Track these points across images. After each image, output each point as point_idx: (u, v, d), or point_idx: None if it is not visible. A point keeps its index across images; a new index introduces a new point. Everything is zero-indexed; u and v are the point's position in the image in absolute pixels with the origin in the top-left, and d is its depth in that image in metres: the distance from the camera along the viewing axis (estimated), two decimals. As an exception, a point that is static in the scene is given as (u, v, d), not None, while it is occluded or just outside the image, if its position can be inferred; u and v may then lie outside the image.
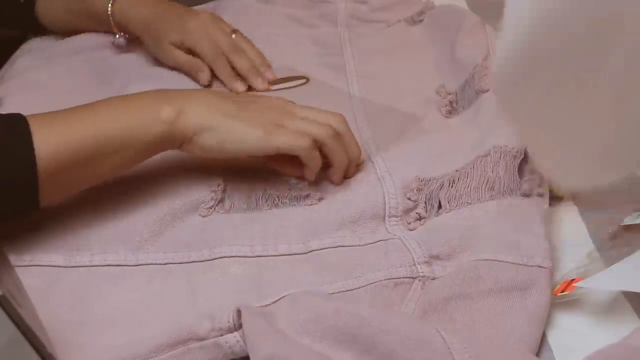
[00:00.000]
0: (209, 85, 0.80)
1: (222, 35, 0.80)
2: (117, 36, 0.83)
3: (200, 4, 0.95)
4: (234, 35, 0.82)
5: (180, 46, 0.80)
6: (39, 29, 0.88)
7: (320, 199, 0.65)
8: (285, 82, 0.71)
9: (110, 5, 0.80)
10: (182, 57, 0.80)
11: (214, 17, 0.82)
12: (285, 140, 0.61)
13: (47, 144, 0.56)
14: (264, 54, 0.83)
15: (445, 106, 0.74)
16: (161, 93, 0.63)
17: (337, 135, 0.64)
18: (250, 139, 0.61)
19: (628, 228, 0.59)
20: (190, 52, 0.80)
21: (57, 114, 0.59)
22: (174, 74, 0.81)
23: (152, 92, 0.63)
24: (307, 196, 0.64)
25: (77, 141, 0.57)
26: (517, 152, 0.63)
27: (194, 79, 0.81)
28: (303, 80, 0.68)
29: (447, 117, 0.73)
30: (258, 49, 0.82)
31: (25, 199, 0.56)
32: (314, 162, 0.63)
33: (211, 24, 0.80)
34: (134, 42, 0.85)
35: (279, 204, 0.64)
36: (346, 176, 0.66)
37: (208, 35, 0.79)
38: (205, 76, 0.80)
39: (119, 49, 0.85)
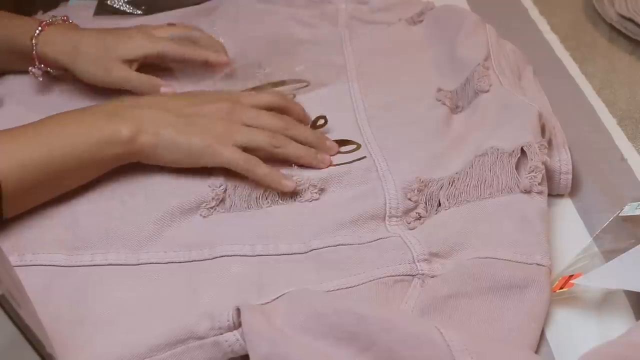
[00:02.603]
0: None
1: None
2: (34, 68, 0.76)
3: (200, 4, 0.95)
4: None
5: (136, 60, 0.76)
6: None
7: (320, 192, 0.65)
8: (286, 85, 0.71)
9: (36, 34, 0.74)
10: (133, 76, 0.75)
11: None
12: (233, 157, 0.64)
13: (8, 162, 0.58)
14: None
15: (446, 106, 0.74)
16: (114, 109, 0.64)
17: (279, 133, 0.67)
18: (204, 156, 0.64)
19: (627, 219, 0.59)
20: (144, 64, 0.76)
21: (19, 130, 0.61)
22: (172, 75, 0.81)
23: (105, 108, 0.64)
24: (307, 191, 0.65)
25: (38, 161, 0.59)
26: (513, 150, 0.63)
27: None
28: (304, 84, 0.68)
29: (447, 116, 0.73)
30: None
31: None
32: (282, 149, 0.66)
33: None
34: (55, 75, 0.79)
35: (279, 201, 0.64)
36: (319, 147, 0.68)
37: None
38: (167, 91, 0.76)
39: (37, 79, 0.78)
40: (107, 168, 0.64)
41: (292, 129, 0.68)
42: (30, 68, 0.76)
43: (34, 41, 0.74)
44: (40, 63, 0.76)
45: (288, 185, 0.64)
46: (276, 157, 0.66)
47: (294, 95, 0.77)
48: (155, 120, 0.63)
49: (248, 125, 0.66)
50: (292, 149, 0.67)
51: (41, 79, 0.77)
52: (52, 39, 0.74)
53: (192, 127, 0.64)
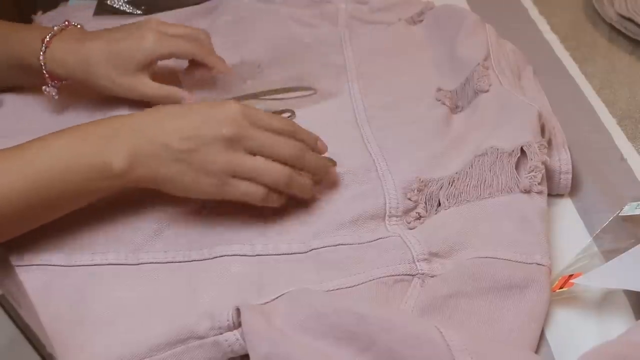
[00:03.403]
0: None
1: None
2: (48, 87, 0.74)
3: (200, 3, 0.95)
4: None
5: (151, 64, 0.73)
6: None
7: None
8: (291, 91, 0.69)
9: (41, 54, 0.70)
10: (154, 90, 0.73)
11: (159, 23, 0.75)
12: (239, 194, 0.60)
13: None
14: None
15: (445, 105, 0.74)
16: (107, 134, 0.58)
17: (293, 173, 0.61)
18: (207, 191, 0.59)
19: (627, 219, 0.59)
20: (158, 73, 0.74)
21: (1, 157, 0.56)
22: (172, 75, 0.80)
23: (97, 131, 0.59)
24: None
25: (22, 191, 0.55)
26: (513, 150, 0.63)
27: None
28: (311, 92, 0.66)
29: (447, 116, 0.73)
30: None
31: None
32: (277, 201, 0.62)
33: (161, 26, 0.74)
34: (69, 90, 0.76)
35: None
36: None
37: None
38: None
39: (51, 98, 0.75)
40: (98, 198, 0.60)
41: (302, 157, 0.61)
42: (44, 88, 0.74)
43: (41, 59, 0.70)
44: (52, 80, 0.73)
45: (326, 173, 0.64)
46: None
47: (292, 115, 0.75)
48: (151, 156, 0.58)
49: (255, 154, 0.60)
50: (297, 189, 0.62)
51: (57, 97, 0.75)
52: (60, 55, 0.71)
53: (190, 165, 0.58)
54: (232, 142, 0.58)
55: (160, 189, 0.60)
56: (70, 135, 0.59)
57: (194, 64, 0.77)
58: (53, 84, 0.73)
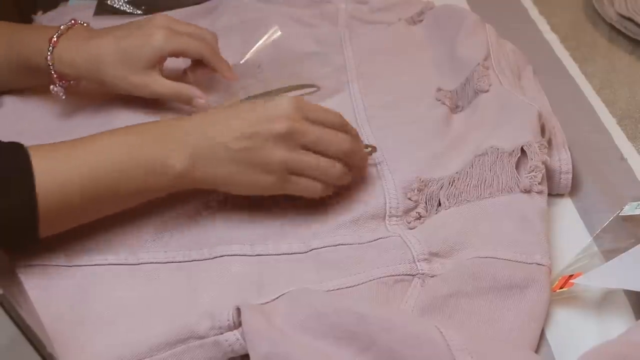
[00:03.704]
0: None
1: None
2: (55, 87, 0.72)
3: (200, 3, 0.95)
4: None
5: (161, 61, 0.72)
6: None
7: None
8: (295, 90, 0.68)
9: (49, 54, 0.69)
10: (164, 85, 0.72)
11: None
12: (300, 190, 0.61)
13: (47, 183, 0.54)
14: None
15: (446, 105, 0.75)
16: (163, 134, 0.59)
17: (345, 169, 0.62)
18: (266, 187, 0.60)
19: (627, 219, 0.59)
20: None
21: (59, 149, 0.57)
22: (173, 74, 0.80)
23: (152, 132, 0.59)
24: None
25: (79, 185, 0.56)
26: (513, 150, 0.63)
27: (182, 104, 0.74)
28: (313, 89, 0.65)
29: (447, 116, 0.73)
30: None
31: (24, 235, 0.55)
32: (331, 191, 0.63)
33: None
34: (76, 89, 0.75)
35: (279, 200, 0.64)
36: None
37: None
38: (202, 103, 0.73)
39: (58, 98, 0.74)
40: (153, 197, 0.61)
41: (353, 152, 0.62)
42: (52, 88, 0.72)
43: (49, 59, 0.69)
44: (60, 80, 0.72)
45: (365, 167, 0.65)
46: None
47: (317, 89, 0.75)
48: (210, 156, 0.58)
49: (309, 149, 0.60)
50: (346, 182, 0.63)
51: (64, 97, 0.74)
52: (68, 55, 0.70)
53: (249, 164, 0.58)
54: (287, 138, 0.59)
55: (218, 189, 0.61)
56: (124, 132, 0.59)
57: (199, 63, 0.76)
58: (61, 84, 0.72)
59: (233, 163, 0.58)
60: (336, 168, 0.61)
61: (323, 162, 0.60)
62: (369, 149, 0.67)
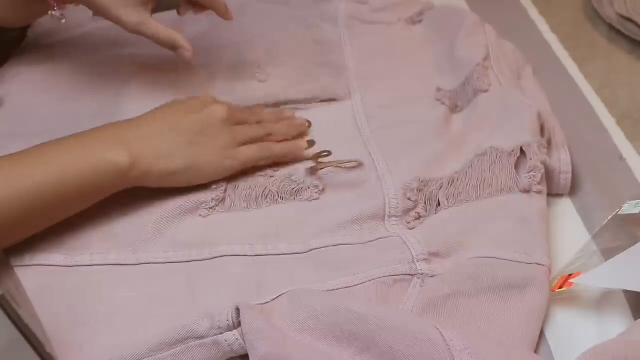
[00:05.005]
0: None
1: None
2: (53, 11, 0.73)
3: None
4: None
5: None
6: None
7: (320, 192, 0.65)
8: (340, 164, 0.69)
9: None
10: (158, 28, 0.71)
11: None
12: (251, 153, 0.66)
13: None
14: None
15: (445, 105, 0.75)
16: (111, 135, 0.61)
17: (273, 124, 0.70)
18: (218, 169, 0.65)
19: (626, 218, 0.59)
20: None
21: (4, 160, 0.57)
22: (172, 76, 0.80)
23: (100, 134, 0.61)
24: (308, 190, 0.65)
25: (27, 192, 0.56)
26: (513, 150, 0.63)
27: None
28: (354, 163, 0.67)
29: (446, 116, 0.73)
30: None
31: None
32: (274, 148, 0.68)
33: None
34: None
35: (279, 200, 0.64)
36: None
37: None
38: (187, 55, 0.72)
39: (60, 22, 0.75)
40: (101, 197, 0.61)
41: (272, 132, 0.70)
42: (50, 13, 0.73)
43: None
44: (57, 4, 0.72)
45: (303, 144, 0.69)
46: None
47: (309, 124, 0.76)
48: (156, 142, 0.61)
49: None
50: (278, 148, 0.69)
51: (64, 21, 0.74)
52: None
53: (201, 145, 0.64)
54: (228, 120, 0.66)
55: (172, 183, 0.63)
56: (73, 138, 0.60)
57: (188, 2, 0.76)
58: (58, 8, 0.73)
59: (178, 153, 0.62)
60: (264, 128, 0.69)
61: (256, 126, 0.69)
62: (353, 163, 0.67)
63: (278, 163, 0.68)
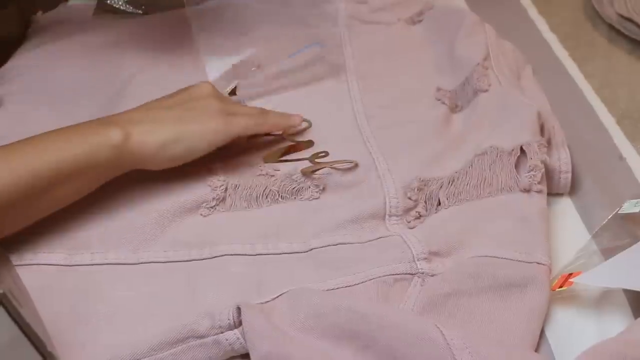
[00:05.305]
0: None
1: None
2: None
3: (200, 4, 0.95)
4: None
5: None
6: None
7: (320, 191, 0.65)
8: (337, 164, 0.68)
9: None
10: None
11: None
12: (244, 123, 0.66)
13: None
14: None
15: (445, 105, 0.75)
16: (107, 119, 0.62)
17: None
18: (213, 135, 0.64)
19: (626, 217, 0.59)
20: None
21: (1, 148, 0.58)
22: (176, 76, 0.80)
23: (95, 121, 0.62)
24: (308, 189, 0.65)
25: (26, 175, 0.56)
26: (513, 149, 0.63)
27: None
28: (350, 164, 0.67)
29: (446, 116, 0.73)
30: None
31: None
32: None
33: None
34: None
35: (279, 199, 0.65)
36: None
37: None
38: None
39: None
40: (103, 178, 0.61)
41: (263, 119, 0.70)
42: None
43: None
44: None
45: (296, 118, 0.71)
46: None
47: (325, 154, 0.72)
48: (146, 120, 0.62)
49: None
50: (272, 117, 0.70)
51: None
52: None
53: (192, 111, 0.64)
54: (216, 94, 0.67)
55: (172, 155, 0.62)
56: (67, 127, 0.61)
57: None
58: None
59: (169, 124, 0.62)
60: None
61: (247, 107, 0.71)
62: (349, 163, 0.67)
63: (279, 162, 0.68)
